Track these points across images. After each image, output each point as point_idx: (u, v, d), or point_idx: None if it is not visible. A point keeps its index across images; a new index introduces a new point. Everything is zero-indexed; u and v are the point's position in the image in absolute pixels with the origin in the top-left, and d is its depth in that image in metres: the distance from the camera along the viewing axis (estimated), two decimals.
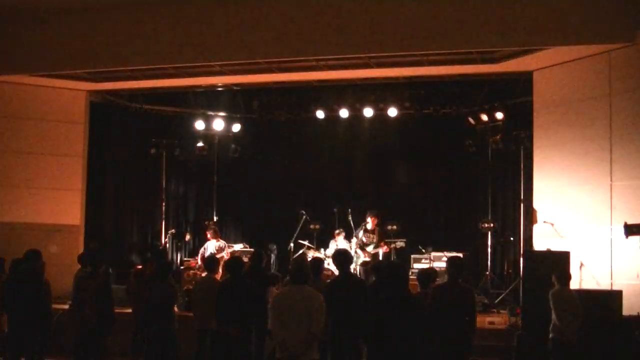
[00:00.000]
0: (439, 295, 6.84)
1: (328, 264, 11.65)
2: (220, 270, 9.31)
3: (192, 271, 12.59)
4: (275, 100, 14.62)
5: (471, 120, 13.42)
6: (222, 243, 12.62)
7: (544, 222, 10.99)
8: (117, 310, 8.54)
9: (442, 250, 13.13)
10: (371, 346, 6.43)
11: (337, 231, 12.49)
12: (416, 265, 12.37)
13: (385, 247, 11.94)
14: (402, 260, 12.28)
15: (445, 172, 14.45)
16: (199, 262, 12.40)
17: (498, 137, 12.84)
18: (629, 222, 9.02)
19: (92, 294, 8.19)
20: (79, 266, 9.72)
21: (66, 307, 11.12)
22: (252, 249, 12.59)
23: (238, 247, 12.80)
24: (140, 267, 10.27)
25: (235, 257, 8.84)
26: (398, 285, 6.59)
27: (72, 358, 9.10)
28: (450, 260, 7.06)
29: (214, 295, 7.95)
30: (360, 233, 12.12)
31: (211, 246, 12.53)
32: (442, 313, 6.66)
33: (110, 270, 10.16)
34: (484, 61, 10.96)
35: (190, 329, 8.95)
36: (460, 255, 12.17)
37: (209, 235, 12.67)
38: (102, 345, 8.35)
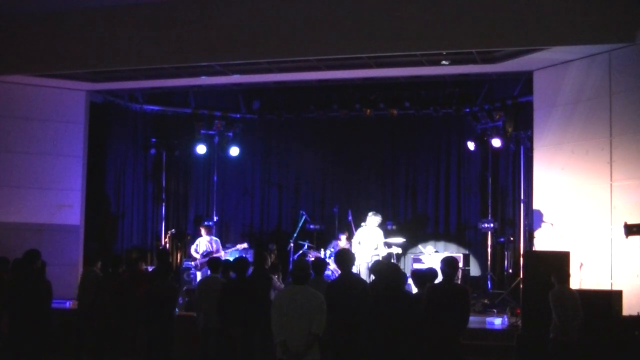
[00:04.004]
0: (432, 295, 6.86)
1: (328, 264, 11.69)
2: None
3: (191, 269, 12.66)
4: (275, 100, 14.63)
5: (471, 120, 13.44)
6: (215, 239, 12.70)
7: (544, 222, 10.99)
8: None
9: (442, 251, 13.17)
10: (369, 345, 6.45)
11: (341, 235, 12.54)
12: (416, 266, 12.37)
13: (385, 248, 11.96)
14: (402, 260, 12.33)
15: (445, 172, 14.46)
16: (197, 255, 12.42)
17: (498, 137, 12.85)
18: (629, 222, 9.02)
19: (111, 294, 8.25)
20: (81, 266, 9.74)
21: (66, 307, 11.19)
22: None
23: (241, 246, 12.84)
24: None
25: (240, 257, 8.88)
26: (395, 285, 6.61)
27: (72, 358, 9.14)
28: (445, 260, 7.06)
29: (218, 294, 7.99)
30: (361, 233, 12.10)
31: (203, 242, 12.56)
32: (435, 312, 6.68)
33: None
34: (484, 61, 10.96)
35: (191, 329, 8.97)
36: (460, 255, 12.32)
37: (203, 232, 12.73)
38: (118, 344, 8.41)
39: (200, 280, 9.67)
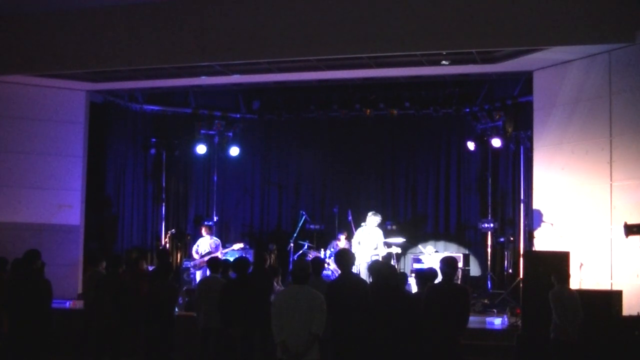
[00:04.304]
0: (432, 295, 6.86)
1: (327, 264, 11.69)
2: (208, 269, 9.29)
3: (191, 269, 12.65)
4: (275, 100, 14.64)
5: (471, 120, 13.44)
6: (216, 240, 12.69)
7: (544, 222, 10.99)
8: None
9: (442, 251, 13.17)
10: (369, 345, 6.45)
11: (340, 235, 12.55)
12: (415, 265, 12.38)
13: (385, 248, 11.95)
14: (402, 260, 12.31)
15: (445, 172, 14.46)
16: (196, 256, 12.44)
17: (498, 137, 12.85)
18: (629, 222, 9.02)
19: (111, 294, 8.26)
20: (81, 266, 9.73)
21: (66, 307, 11.20)
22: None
23: (237, 246, 12.79)
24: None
25: (241, 257, 8.88)
26: (394, 285, 6.62)
27: (72, 358, 9.14)
28: (444, 260, 7.07)
29: (218, 294, 8.01)
30: (361, 233, 12.09)
31: (204, 243, 12.55)
32: (435, 312, 6.69)
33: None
34: (484, 61, 10.96)
35: (190, 329, 8.98)
36: (460, 255, 12.33)
37: (203, 232, 12.73)
38: (118, 344, 8.41)
39: (200, 280, 9.68)
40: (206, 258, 12.28)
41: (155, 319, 7.97)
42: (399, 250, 12.11)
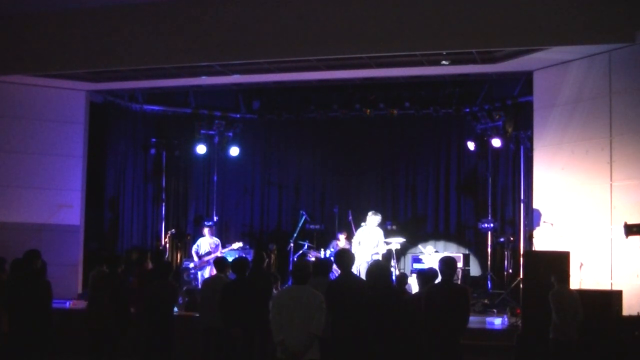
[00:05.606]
0: (432, 295, 6.86)
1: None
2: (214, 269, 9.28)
3: (191, 270, 12.65)
4: (275, 100, 14.65)
5: (471, 120, 13.45)
6: (216, 240, 12.70)
7: (544, 222, 10.99)
8: None
9: (442, 250, 13.16)
10: (367, 345, 6.46)
11: (340, 234, 12.55)
12: (415, 265, 12.37)
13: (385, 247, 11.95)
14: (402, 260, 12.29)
15: (445, 172, 14.46)
16: (196, 258, 12.45)
17: (498, 137, 12.86)
18: (629, 222, 9.02)
19: (109, 294, 8.26)
20: (81, 266, 9.73)
21: (66, 307, 11.20)
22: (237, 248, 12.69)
23: (236, 245, 12.77)
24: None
25: (240, 257, 8.87)
26: (389, 286, 6.62)
27: (73, 358, 9.14)
28: (443, 260, 7.06)
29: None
30: (361, 233, 12.10)
31: (204, 243, 12.56)
32: (435, 312, 6.69)
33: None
34: (484, 61, 10.97)
35: (190, 329, 8.98)
36: (460, 255, 12.34)
37: (206, 232, 12.73)
38: (117, 344, 8.41)
39: (204, 280, 9.67)
40: (205, 258, 12.30)
41: (155, 319, 7.97)
42: (398, 246, 12.10)
